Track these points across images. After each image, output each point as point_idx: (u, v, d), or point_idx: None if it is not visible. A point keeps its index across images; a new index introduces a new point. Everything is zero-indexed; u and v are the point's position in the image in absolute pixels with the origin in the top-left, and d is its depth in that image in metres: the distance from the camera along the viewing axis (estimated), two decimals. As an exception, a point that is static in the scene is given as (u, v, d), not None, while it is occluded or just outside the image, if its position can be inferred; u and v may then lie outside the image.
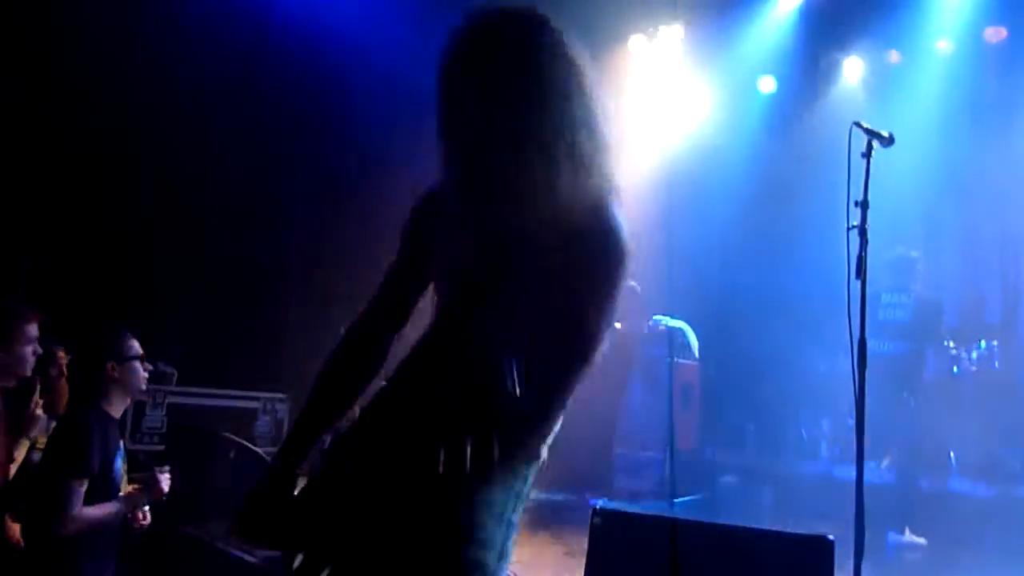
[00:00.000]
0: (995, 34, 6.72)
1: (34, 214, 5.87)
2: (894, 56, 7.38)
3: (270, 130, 7.05)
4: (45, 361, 3.80)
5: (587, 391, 1.58)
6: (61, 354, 3.84)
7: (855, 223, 3.04)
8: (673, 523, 2.71)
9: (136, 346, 3.18)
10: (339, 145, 7.01)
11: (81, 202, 6.01)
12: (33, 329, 3.17)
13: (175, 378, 5.99)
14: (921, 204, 7.11)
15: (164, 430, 5.65)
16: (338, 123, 6.95)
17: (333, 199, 6.75)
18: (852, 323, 3.01)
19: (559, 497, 6.51)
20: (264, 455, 4.48)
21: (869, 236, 3.12)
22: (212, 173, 6.71)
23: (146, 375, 3.19)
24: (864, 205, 3.03)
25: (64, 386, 3.72)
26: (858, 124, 3.08)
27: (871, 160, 3.05)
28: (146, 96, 6.31)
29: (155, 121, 6.39)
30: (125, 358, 3.11)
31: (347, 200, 6.31)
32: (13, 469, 3.33)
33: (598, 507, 2.76)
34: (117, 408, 3.16)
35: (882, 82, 7.25)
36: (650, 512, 3.64)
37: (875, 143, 3.09)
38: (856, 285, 3.01)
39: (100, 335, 3.18)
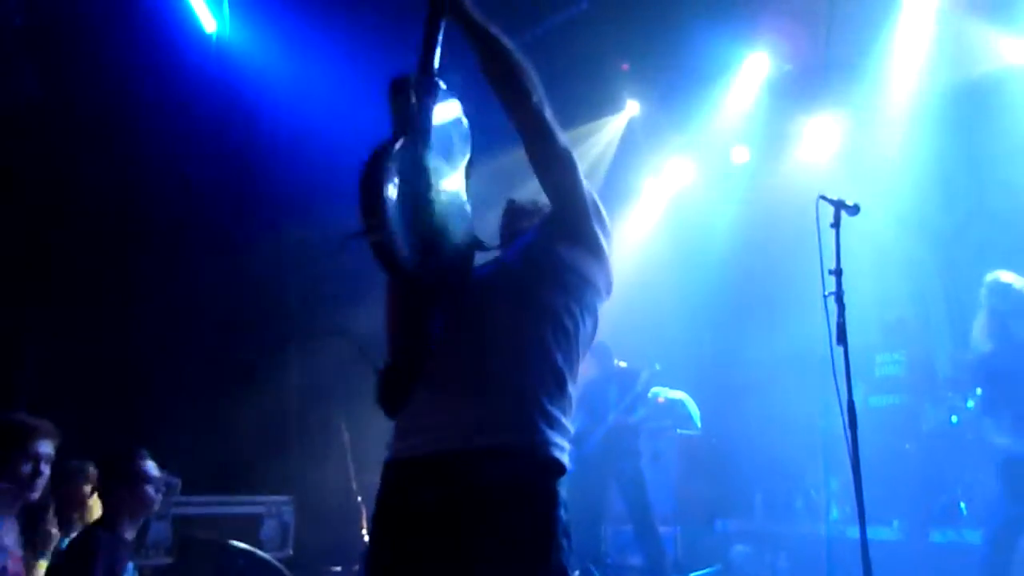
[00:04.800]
0: None
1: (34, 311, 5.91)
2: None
3: (264, 239, 7.18)
4: (75, 477, 3.82)
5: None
6: (92, 469, 3.84)
7: (831, 290, 3.12)
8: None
9: (153, 468, 3.20)
10: (335, 251, 7.11)
11: (78, 304, 6.05)
12: (39, 446, 2.99)
13: (179, 488, 5.96)
14: (905, 261, 7.24)
15: (170, 543, 5.59)
16: (331, 230, 7.07)
17: (329, 303, 6.84)
18: (839, 387, 3.08)
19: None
20: (273, 561, 4.46)
21: (858, 297, 3.22)
22: (211, 278, 6.80)
23: (160, 496, 3.20)
24: (838, 273, 3.13)
25: (96, 502, 3.68)
26: (823, 197, 3.20)
27: (840, 229, 3.16)
28: (132, 206, 6.47)
29: (148, 224, 6.53)
30: (141, 481, 3.14)
31: (344, 304, 6.38)
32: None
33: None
34: (129, 529, 3.16)
35: (851, 144, 7.45)
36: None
37: (843, 213, 3.20)
38: (839, 350, 3.08)
39: (117, 456, 3.21)
